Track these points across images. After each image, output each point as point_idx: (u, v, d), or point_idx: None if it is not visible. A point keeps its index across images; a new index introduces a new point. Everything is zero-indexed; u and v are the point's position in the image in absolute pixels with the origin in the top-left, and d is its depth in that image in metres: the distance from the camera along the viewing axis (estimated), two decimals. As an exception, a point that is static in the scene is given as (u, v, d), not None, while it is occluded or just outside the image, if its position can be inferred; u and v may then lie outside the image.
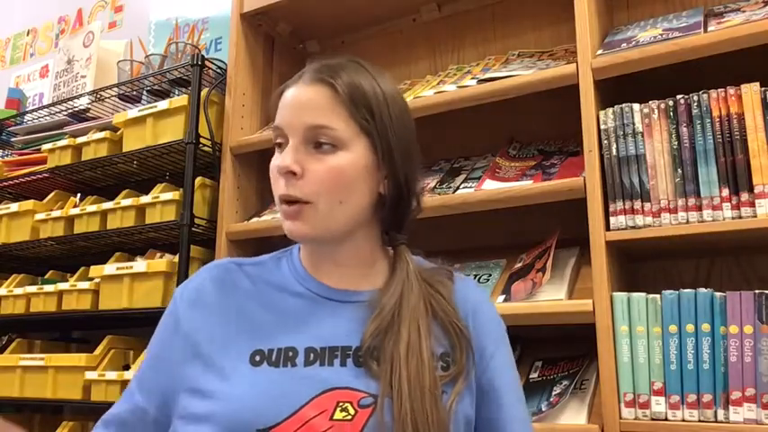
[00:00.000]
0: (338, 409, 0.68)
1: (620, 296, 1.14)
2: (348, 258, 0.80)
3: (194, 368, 0.73)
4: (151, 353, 0.80)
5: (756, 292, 1.04)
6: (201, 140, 1.69)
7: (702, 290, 1.08)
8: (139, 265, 1.70)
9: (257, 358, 0.72)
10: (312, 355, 0.72)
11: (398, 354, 0.70)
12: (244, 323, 0.75)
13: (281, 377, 0.70)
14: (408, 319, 0.73)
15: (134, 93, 1.95)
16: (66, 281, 1.89)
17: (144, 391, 0.77)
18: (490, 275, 1.38)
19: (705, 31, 1.19)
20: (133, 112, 1.82)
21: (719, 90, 1.12)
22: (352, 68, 0.78)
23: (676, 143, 1.14)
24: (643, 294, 1.13)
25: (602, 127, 1.20)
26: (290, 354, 0.72)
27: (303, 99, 0.76)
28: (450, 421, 0.70)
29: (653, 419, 1.08)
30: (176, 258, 1.66)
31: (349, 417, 0.67)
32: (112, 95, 1.97)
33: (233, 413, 0.67)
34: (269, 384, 0.69)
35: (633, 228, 1.16)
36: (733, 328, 1.04)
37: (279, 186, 0.75)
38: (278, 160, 0.75)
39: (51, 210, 1.97)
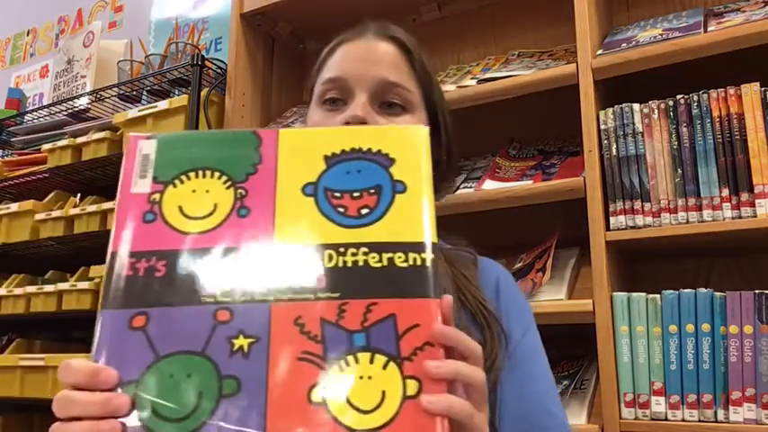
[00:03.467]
0: None
1: (620, 296, 1.13)
2: None
3: None
4: None
5: (756, 292, 1.04)
6: (201, 140, 1.69)
7: (702, 290, 1.08)
8: (139, 265, 1.70)
9: None
10: None
11: None
12: None
13: None
14: None
15: (134, 93, 1.94)
16: (67, 281, 1.89)
17: None
18: (490, 275, 1.38)
19: (705, 31, 1.19)
20: (133, 112, 1.82)
21: (719, 90, 1.12)
22: (413, 36, 0.75)
23: (676, 143, 1.14)
24: (643, 294, 1.13)
25: (602, 127, 1.20)
26: None
27: (375, 53, 0.71)
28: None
29: (653, 419, 1.08)
30: (176, 258, 1.66)
31: None
32: (112, 95, 1.97)
33: None
34: None
35: (633, 228, 1.16)
36: (733, 328, 1.04)
37: None
38: (337, 115, 0.68)
39: (51, 210, 1.96)
